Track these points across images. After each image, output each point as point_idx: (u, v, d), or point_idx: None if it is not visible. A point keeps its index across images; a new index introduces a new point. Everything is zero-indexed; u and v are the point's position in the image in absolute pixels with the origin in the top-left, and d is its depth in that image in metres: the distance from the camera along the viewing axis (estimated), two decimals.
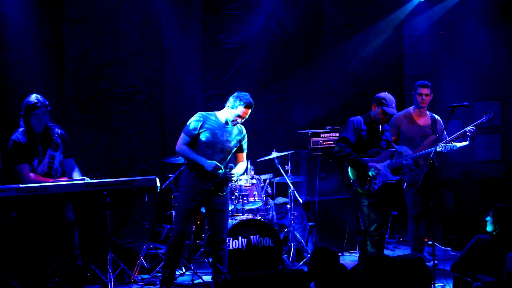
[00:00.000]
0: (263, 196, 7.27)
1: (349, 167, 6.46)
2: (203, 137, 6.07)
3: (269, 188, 7.45)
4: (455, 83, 8.78)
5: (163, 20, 7.80)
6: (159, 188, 5.90)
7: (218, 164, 6.03)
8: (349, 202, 7.35)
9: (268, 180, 7.44)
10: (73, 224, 5.95)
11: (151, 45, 7.77)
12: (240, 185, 7.08)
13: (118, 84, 7.65)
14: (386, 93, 6.51)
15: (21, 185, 5.49)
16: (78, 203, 6.29)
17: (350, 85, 8.79)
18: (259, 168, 7.52)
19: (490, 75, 8.92)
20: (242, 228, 6.84)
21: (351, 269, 4.78)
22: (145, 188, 5.92)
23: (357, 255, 7.08)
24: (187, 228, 6.21)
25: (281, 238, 6.96)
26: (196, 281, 6.76)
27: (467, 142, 6.90)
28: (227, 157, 6.19)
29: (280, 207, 7.75)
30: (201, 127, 6.08)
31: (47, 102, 5.83)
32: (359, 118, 6.51)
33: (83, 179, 5.75)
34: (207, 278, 6.80)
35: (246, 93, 6.12)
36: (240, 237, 6.82)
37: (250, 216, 7.06)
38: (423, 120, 7.30)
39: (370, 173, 6.34)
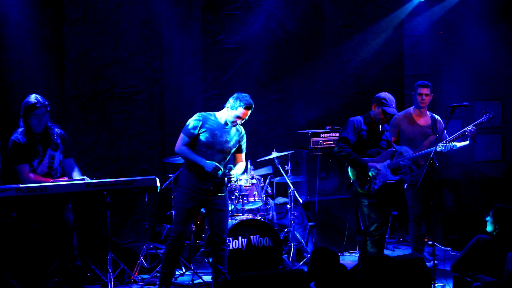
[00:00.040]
0: (263, 196, 7.27)
1: (349, 167, 6.46)
2: (202, 137, 6.07)
3: (269, 188, 7.45)
4: (455, 83, 8.78)
5: (163, 20, 7.80)
6: (159, 188, 5.90)
7: (218, 165, 6.03)
8: (349, 202, 7.34)
9: (268, 180, 7.43)
10: (73, 225, 5.95)
11: (151, 45, 7.77)
12: (240, 185, 7.08)
13: (118, 84, 7.65)
14: (386, 93, 6.51)
15: (21, 185, 5.48)
16: (78, 203, 6.29)
17: (350, 85, 8.79)
18: (259, 168, 7.52)
19: (490, 75, 8.92)
20: (242, 228, 6.83)
21: (351, 269, 4.78)
22: (145, 188, 5.92)
23: (357, 255, 7.08)
24: (186, 229, 6.20)
25: (281, 238, 6.96)
26: (196, 281, 6.76)
27: (467, 142, 6.90)
28: (226, 158, 6.20)
29: (280, 207, 7.75)
30: (201, 127, 6.07)
31: (46, 102, 5.83)
32: (359, 118, 6.51)
33: (83, 179, 5.75)
34: (207, 278, 6.80)
35: (246, 94, 6.11)
36: (240, 237, 6.82)
37: (250, 216, 7.06)
38: (423, 120, 7.30)
39: (370, 173, 6.34)
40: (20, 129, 5.83)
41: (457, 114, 6.37)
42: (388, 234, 8.32)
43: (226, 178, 6.15)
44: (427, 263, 5.56)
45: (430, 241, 7.48)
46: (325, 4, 8.62)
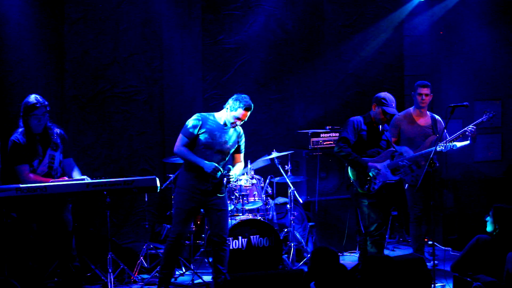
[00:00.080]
0: (263, 196, 7.27)
1: (349, 167, 6.46)
2: (202, 138, 6.05)
3: (269, 188, 7.45)
4: (455, 83, 8.78)
5: (163, 20, 7.80)
6: (159, 188, 5.89)
7: (217, 165, 6.03)
8: (349, 202, 7.35)
9: (268, 180, 7.43)
10: (73, 226, 5.95)
11: (151, 45, 7.77)
12: (240, 185, 7.08)
13: (118, 84, 7.65)
14: (386, 93, 6.51)
15: (21, 185, 5.48)
16: (78, 203, 6.29)
17: (350, 85, 8.79)
18: (259, 168, 7.52)
19: (490, 75, 8.92)
20: (242, 228, 6.83)
21: (351, 269, 4.78)
22: (145, 188, 5.91)
23: (357, 255, 7.08)
24: (185, 229, 6.20)
25: (281, 238, 6.96)
26: (196, 281, 6.76)
27: (468, 142, 6.89)
28: (225, 158, 6.20)
29: (280, 207, 7.75)
30: (201, 128, 6.06)
31: (46, 103, 5.83)
32: (359, 118, 6.51)
33: (83, 179, 5.75)
34: (207, 278, 6.80)
35: (246, 96, 6.11)
36: (240, 237, 6.82)
37: (250, 216, 7.06)
38: (424, 120, 7.30)
39: (370, 173, 6.34)
40: (20, 129, 5.82)
41: (457, 114, 6.37)
42: (388, 234, 8.32)
43: (225, 179, 6.15)
44: (427, 263, 5.55)
45: (430, 241, 7.48)
46: (325, 4, 8.62)
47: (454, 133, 6.93)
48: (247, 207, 7.11)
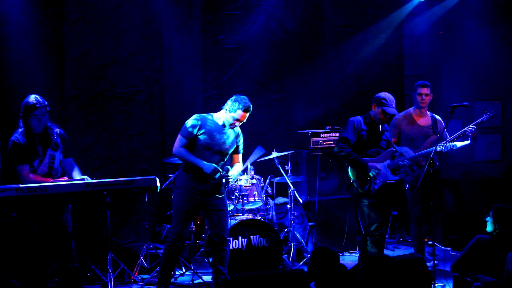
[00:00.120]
0: (263, 196, 7.27)
1: (349, 167, 6.46)
2: (201, 138, 6.05)
3: (269, 188, 7.45)
4: (455, 83, 8.78)
5: (163, 20, 7.80)
6: (159, 188, 5.89)
7: (217, 166, 6.02)
8: (349, 202, 7.35)
9: (268, 180, 7.43)
10: (73, 227, 5.94)
11: (151, 45, 7.77)
12: (240, 185, 7.08)
13: (118, 84, 7.65)
14: (386, 93, 6.51)
15: (21, 185, 5.48)
16: (78, 203, 6.28)
17: (350, 85, 8.79)
18: (259, 168, 7.51)
19: (490, 75, 8.92)
20: (242, 228, 6.83)
21: (351, 269, 4.78)
22: (145, 188, 5.91)
23: (357, 255, 7.07)
24: (184, 230, 6.19)
25: (281, 238, 6.96)
26: (196, 281, 6.76)
27: (468, 141, 6.88)
28: (224, 159, 6.20)
29: (280, 207, 7.75)
30: (200, 128, 6.06)
31: (46, 103, 5.82)
32: (359, 118, 6.51)
33: (83, 179, 5.74)
34: (207, 278, 6.80)
35: (245, 97, 6.11)
36: (240, 237, 6.82)
37: (250, 216, 7.06)
38: (424, 120, 7.30)
39: (370, 173, 6.34)
40: (20, 130, 5.82)
41: (457, 114, 6.37)
42: (388, 234, 8.32)
43: (224, 179, 6.15)
44: (427, 263, 5.55)
45: (430, 241, 7.47)
46: (325, 4, 8.62)
47: (454, 133, 6.92)
48: (247, 207, 7.11)
